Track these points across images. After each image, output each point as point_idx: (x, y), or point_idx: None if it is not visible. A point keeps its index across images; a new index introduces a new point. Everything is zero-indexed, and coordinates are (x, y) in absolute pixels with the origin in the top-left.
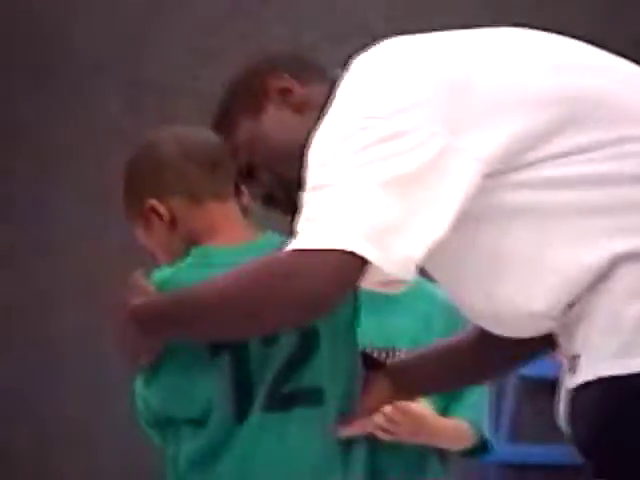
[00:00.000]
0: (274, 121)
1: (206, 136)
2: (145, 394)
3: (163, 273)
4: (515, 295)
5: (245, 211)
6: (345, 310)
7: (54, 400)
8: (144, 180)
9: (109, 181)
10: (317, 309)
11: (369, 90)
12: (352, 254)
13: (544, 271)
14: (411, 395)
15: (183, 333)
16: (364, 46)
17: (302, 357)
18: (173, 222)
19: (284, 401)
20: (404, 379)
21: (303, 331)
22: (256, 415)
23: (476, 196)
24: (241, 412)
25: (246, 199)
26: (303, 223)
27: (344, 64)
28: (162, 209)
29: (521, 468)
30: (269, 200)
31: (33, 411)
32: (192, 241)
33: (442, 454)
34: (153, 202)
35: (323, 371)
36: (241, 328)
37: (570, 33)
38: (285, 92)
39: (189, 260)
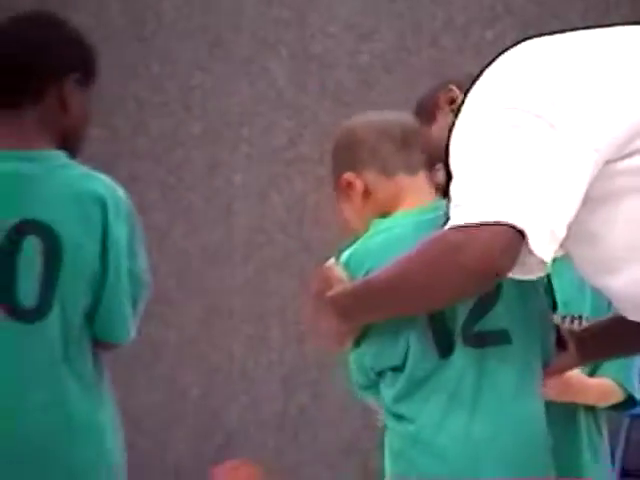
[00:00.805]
0: (441, 126)
1: (399, 117)
2: (357, 358)
3: (347, 251)
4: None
5: (437, 187)
6: None
7: (221, 343)
8: (341, 157)
9: (274, 146)
10: (488, 281)
11: (500, 86)
12: (514, 228)
13: None
14: (589, 360)
15: (377, 316)
16: (512, 29)
17: (488, 301)
18: (366, 193)
19: (478, 339)
20: (584, 347)
21: None
22: (459, 349)
23: (591, 182)
24: (444, 348)
25: (439, 176)
26: (457, 205)
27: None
28: (357, 181)
29: None
30: (445, 192)
31: (201, 352)
32: (383, 211)
33: (591, 409)
34: (348, 175)
35: (508, 314)
36: (424, 305)
37: None
38: (451, 101)
39: (368, 232)
